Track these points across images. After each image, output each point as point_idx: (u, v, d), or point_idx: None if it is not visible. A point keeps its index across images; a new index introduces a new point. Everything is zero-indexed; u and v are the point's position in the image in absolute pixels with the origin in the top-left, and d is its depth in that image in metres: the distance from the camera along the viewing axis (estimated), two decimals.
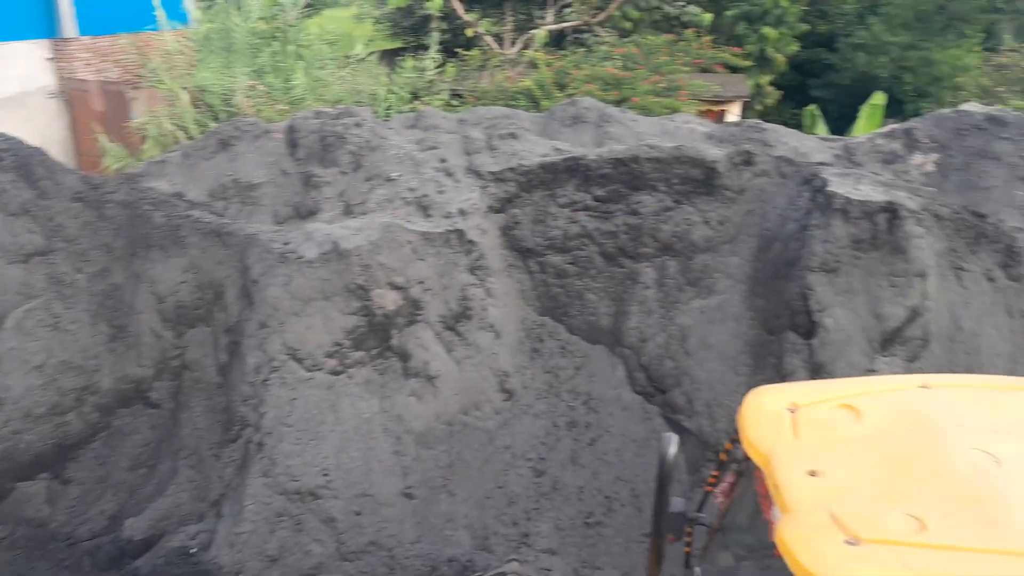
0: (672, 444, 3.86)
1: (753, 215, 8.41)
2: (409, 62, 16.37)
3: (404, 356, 8.01)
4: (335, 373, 7.81)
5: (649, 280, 8.59)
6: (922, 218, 7.41)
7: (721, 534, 4.67)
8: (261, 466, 7.37)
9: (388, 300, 7.90)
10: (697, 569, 4.79)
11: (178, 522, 7.56)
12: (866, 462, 3.61)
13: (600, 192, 8.75)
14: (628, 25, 22.09)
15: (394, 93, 15.75)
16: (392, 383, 7.96)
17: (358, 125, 9.51)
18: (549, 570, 7.25)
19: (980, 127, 9.59)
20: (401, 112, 14.15)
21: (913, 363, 6.79)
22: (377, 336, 7.89)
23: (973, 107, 10.37)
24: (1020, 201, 8.91)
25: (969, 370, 6.76)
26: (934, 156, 9.64)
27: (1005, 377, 4.27)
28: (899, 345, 6.90)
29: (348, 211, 8.88)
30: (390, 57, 20.39)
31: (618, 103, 15.02)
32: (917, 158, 9.77)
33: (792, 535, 3.25)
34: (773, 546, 3.36)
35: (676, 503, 4.45)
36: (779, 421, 4.05)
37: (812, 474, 3.59)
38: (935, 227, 7.54)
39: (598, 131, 10.23)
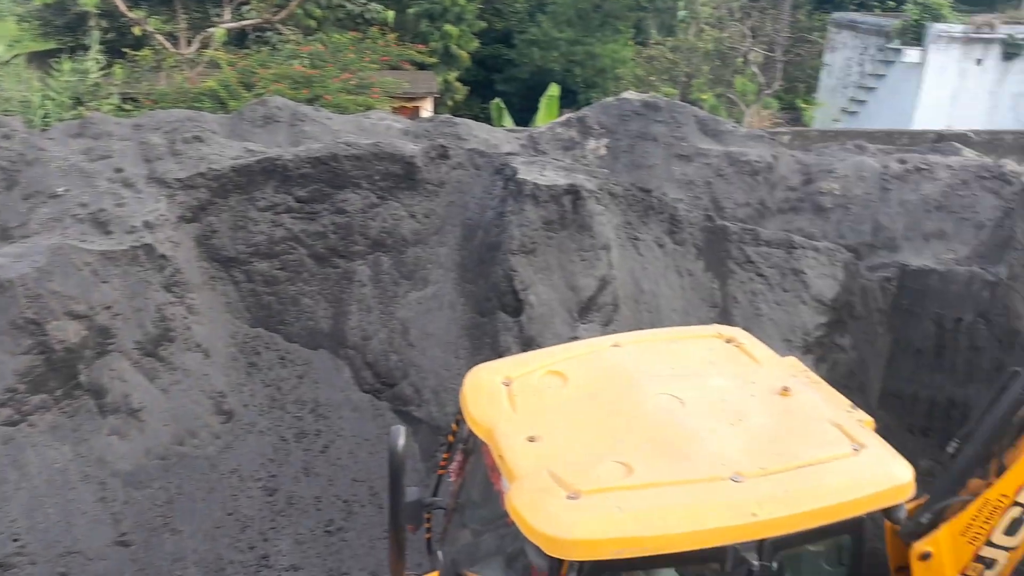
0: (400, 436, 3.92)
1: (455, 206, 8.73)
2: (67, 64, 14.59)
3: (98, 392, 7.18)
4: (12, 424, 6.77)
5: (365, 277, 8.57)
6: (600, 197, 8.21)
7: (458, 513, 4.83)
8: None
9: (68, 332, 7.00)
10: (439, 552, 4.91)
11: None
12: (576, 421, 3.96)
13: (302, 193, 8.51)
14: (312, 23, 21.71)
15: (51, 99, 13.96)
16: (87, 424, 7.10)
17: (6, 137, 8.29)
18: None
19: (639, 112, 10.83)
20: (63, 120, 12.57)
21: (608, 326, 7.53)
22: (60, 374, 6.98)
23: (632, 95, 11.68)
24: (678, 176, 10.24)
25: (652, 326, 7.66)
26: (605, 140, 10.73)
27: (679, 328, 4.91)
28: (595, 312, 7.62)
29: (5, 235, 7.72)
30: (42, 59, 18.01)
31: (310, 102, 14.72)
32: (591, 143, 10.80)
33: (519, 500, 3.47)
34: (506, 515, 3.56)
35: (411, 492, 4.52)
36: (497, 395, 4.29)
37: (531, 440, 3.86)
38: (611, 204, 8.39)
39: (293, 130, 9.93)
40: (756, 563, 3.30)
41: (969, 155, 10.97)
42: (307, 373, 8.25)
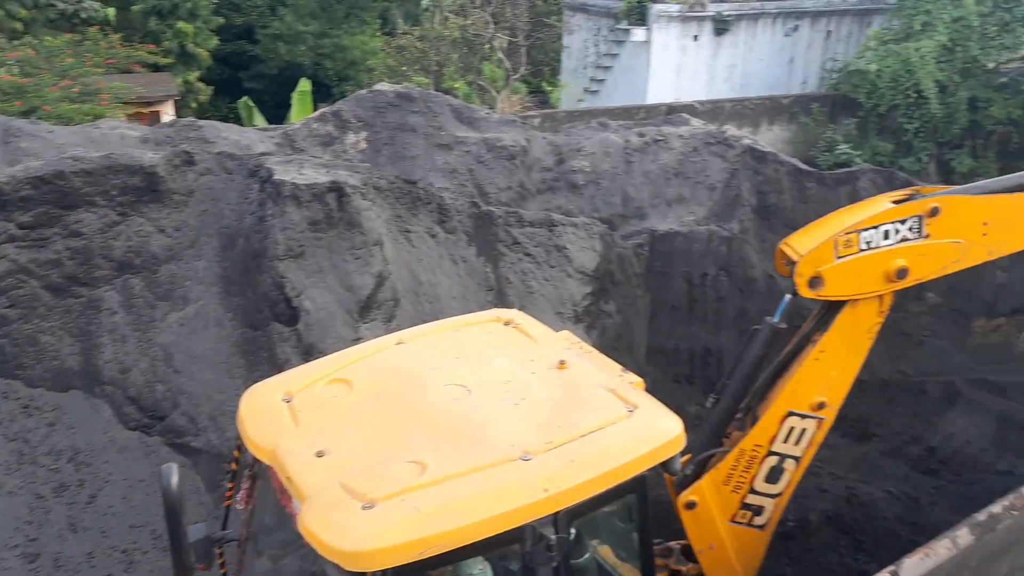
0: (173, 475, 3.60)
1: (209, 215, 8.16)
2: None
3: None
4: None
5: (114, 304, 7.77)
6: (365, 192, 8.07)
7: (252, 542, 4.57)
8: None
9: None
10: None
11: None
12: (364, 427, 3.86)
13: (25, 218, 7.52)
14: (18, 26, 19.23)
15: None
16: None
17: None
18: None
19: (394, 104, 10.78)
20: None
21: (390, 322, 7.45)
22: None
23: (385, 86, 11.58)
24: (440, 165, 10.34)
25: (434, 316, 7.68)
26: (364, 134, 10.56)
27: (460, 317, 4.95)
28: (375, 310, 7.49)
29: None
30: None
31: (25, 114, 13.08)
32: (350, 137, 10.59)
33: (311, 520, 3.33)
34: (301, 538, 3.41)
35: (196, 530, 4.20)
36: (277, 414, 4.08)
37: (319, 455, 3.70)
38: (378, 198, 8.28)
39: (7, 148, 8.76)
40: (553, 536, 3.42)
41: (697, 124, 12.12)
42: (59, 419, 7.35)
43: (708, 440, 5.07)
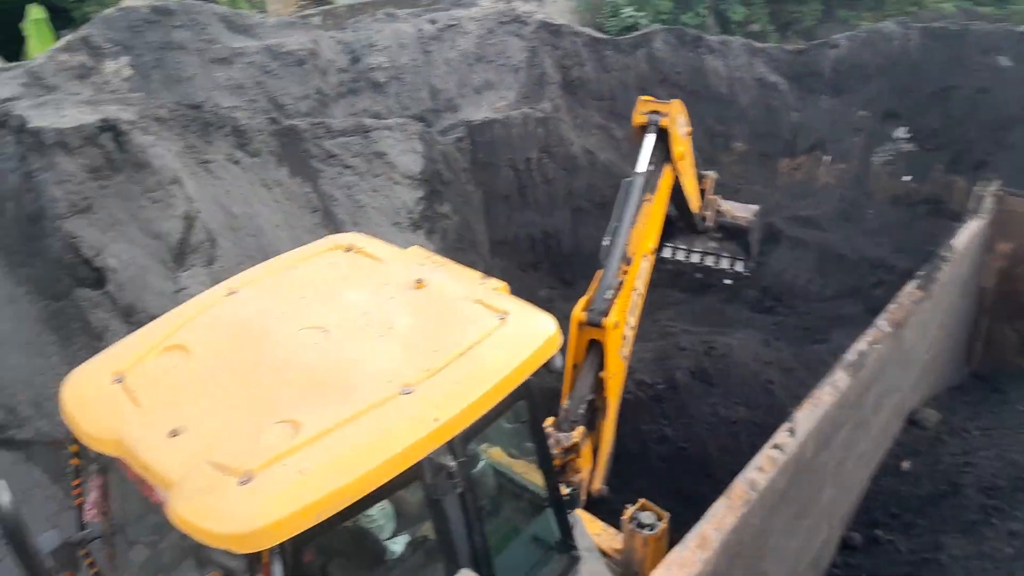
0: (2, 492, 3.08)
1: None
2: None
3: None
4: None
5: None
6: (145, 126, 7.17)
7: (120, 535, 4.12)
8: None
9: None
10: None
11: None
12: (218, 395, 3.45)
13: None
14: None
15: None
16: None
17: None
18: None
19: (151, 20, 9.54)
20: None
21: (212, 265, 6.82)
22: None
23: (135, 2, 10.19)
24: (223, 82, 9.38)
25: (261, 250, 7.12)
26: (124, 59, 9.32)
27: (293, 252, 4.52)
28: (192, 255, 6.81)
29: None
30: None
31: None
32: (109, 65, 9.31)
33: (186, 509, 2.97)
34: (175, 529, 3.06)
35: (50, 538, 3.71)
36: (111, 398, 3.57)
37: (174, 434, 3.30)
38: (163, 131, 7.40)
39: None
40: (453, 463, 3.28)
41: (486, 3, 11.75)
42: None
43: (611, 273, 5.75)
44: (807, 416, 4.01)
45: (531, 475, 4.50)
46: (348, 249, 4.42)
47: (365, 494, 3.06)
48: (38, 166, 6.64)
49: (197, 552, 3.91)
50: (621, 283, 5.74)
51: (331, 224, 7.72)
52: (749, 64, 11.18)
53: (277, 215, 7.49)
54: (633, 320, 5.90)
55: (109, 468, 3.79)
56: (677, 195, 7.25)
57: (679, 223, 7.99)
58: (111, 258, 6.56)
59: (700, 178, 7.70)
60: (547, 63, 10.47)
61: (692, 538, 3.27)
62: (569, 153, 9.31)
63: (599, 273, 5.81)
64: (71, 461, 3.99)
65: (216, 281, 6.91)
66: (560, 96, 9.87)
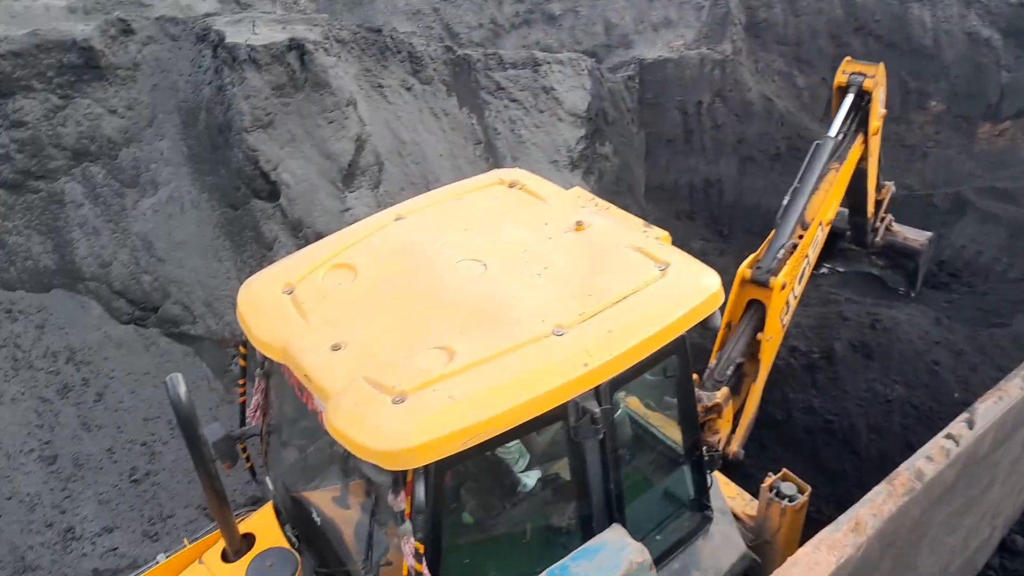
0: (179, 385, 3.35)
1: (162, 89, 7.52)
2: None
3: None
4: None
5: (78, 196, 7.30)
6: (328, 47, 7.41)
7: (275, 435, 4.44)
8: None
9: None
10: (267, 478, 4.54)
11: None
12: (379, 315, 3.59)
13: None
14: None
15: None
16: None
17: None
18: (114, 549, 6.35)
19: None
20: None
21: (377, 188, 7.05)
22: None
23: None
24: (401, 6, 9.52)
25: (423, 177, 7.29)
26: None
27: (460, 183, 4.58)
28: (360, 176, 7.06)
29: None
30: None
31: None
32: None
33: (341, 420, 3.12)
34: (328, 435, 3.23)
35: (214, 430, 4.02)
36: (281, 308, 3.79)
37: (335, 349, 3.46)
38: (344, 52, 7.63)
39: None
40: (597, 409, 3.26)
41: None
42: (46, 321, 7.09)
43: (787, 232, 5.55)
44: (990, 409, 3.67)
45: (668, 429, 4.42)
46: (512, 185, 4.43)
47: (511, 427, 3.10)
48: (229, 80, 7.03)
49: (343, 460, 4.16)
50: (795, 246, 5.48)
51: (492, 157, 7.77)
52: (961, 16, 10.08)
53: (442, 144, 7.60)
54: (798, 288, 5.61)
55: (272, 372, 4.06)
56: (853, 193, 6.87)
57: (841, 243, 7.66)
58: (286, 173, 6.92)
59: (878, 187, 7.28)
60: (732, 2, 9.87)
61: (845, 520, 3.10)
62: (744, 99, 8.82)
63: (772, 232, 5.54)
64: (239, 362, 4.30)
65: (380, 204, 7.19)
66: (742, 38, 9.32)
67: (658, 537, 4.17)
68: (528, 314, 3.42)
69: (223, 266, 7.01)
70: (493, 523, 4.03)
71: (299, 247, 6.79)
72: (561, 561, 3.29)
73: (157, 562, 4.27)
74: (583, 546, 3.39)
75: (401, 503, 3.11)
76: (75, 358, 7.03)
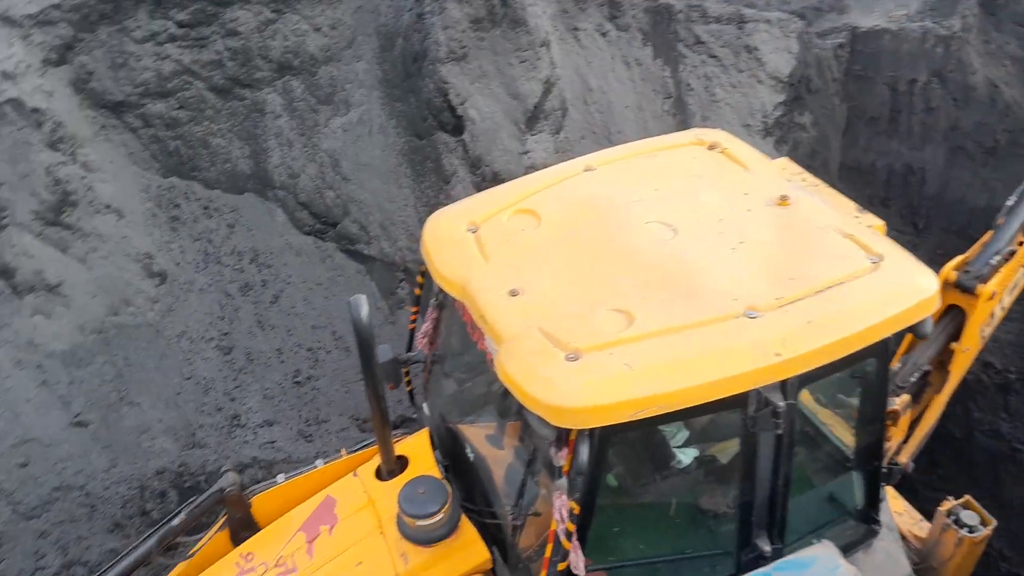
0: (363, 306, 3.44)
1: (364, 12, 7.69)
2: None
3: (5, 272, 6.51)
4: None
5: (277, 107, 7.68)
6: None
7: (438, 364, 4.53)
8: None
9: None
10: (424, 404, 4.67)
11: None
12: (559, 266, 3.53)
13: (183, 16, 7.33)
14: None
15: None
16: (3, 307, 6.51)
17: None
18: (272, 442, 6.82)
19: None
20: None
21: (558, 134, 6.96)
22: None
23: None
24: None
25: (606, 127, 7.12)
26: None
27: (655, 139, 4.39)
28: (543, 120, 6.99)
29: None
30: None
31: None
32: None
33: (513, 367, 3.10)
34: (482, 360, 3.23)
35: (383, 351, 4.15)
36: (464, 245, 3.80)
37: (513, 294, 3.44)
38: None
39: None
40: (782, 404, 3.06)
41: None
42: (237, 221, 7.58)
43: (1005, 238, 4.89)
44: None
45: (839, 430, 4.15)
46: (711, 147, 4.20)
47: (685, 407, 2.98)
48: (430, 9, 7.09)
49: (502, 402, 4.19)
50: (1012, 253, 4.90)
51: (680, 114, 7.45)
52: None
53: (630, 95, 7.36)
54: (1008, 300, 5.02)
55: (446, 305, 4.12)
56: None
57: None
58: (472, 109, 6.94)
59: None
60: None
61: None
62: (966, 82, 7.96)
63: (988, 234, 4.99)
64: (415, 291, 4.39)
65: (558, 151, 7.10)
66: (975, 14, 8.36)
67: (814, 541, 3.97)
68: (717, 289, 3.25)
69: (402, 192, 7.19)
70: (639, 492, 3.97)
71: (476, 184, 6.86)
72: (763, 569, 3.16)
73: (315, 467, 4.52)
74: (789, 558, 3.25)
75: (561, 459, 3.09)
76: (258, 260, 7.49)
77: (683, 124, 7.29)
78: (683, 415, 3.08)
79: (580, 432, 2.99)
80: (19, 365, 6.52)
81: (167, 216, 7.57)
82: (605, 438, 3.04)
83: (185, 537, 4.45)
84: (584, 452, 2.99)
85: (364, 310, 3.43)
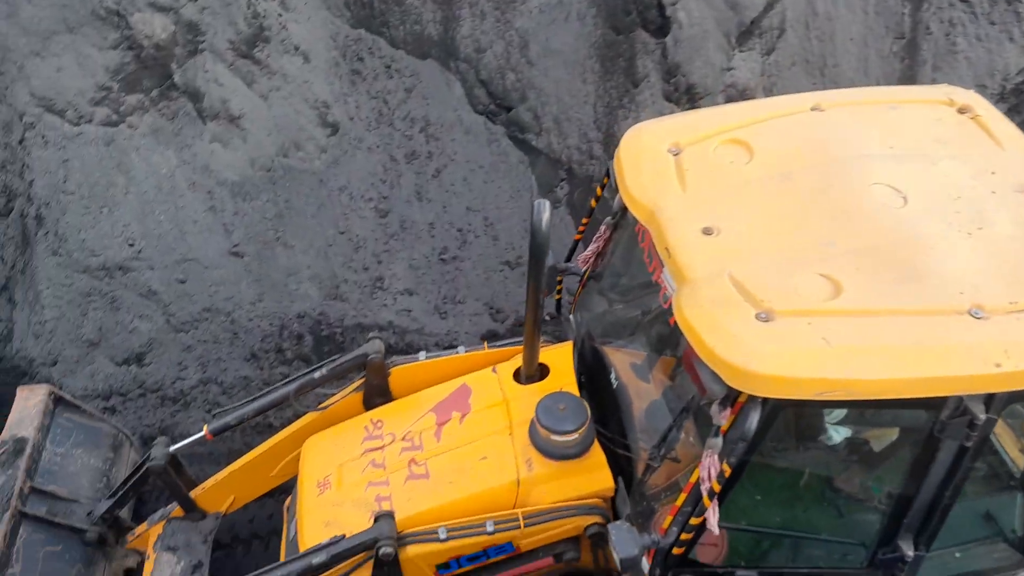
0: (545, 211, 3.28)
1: None
2: None
3: (194, 95, 6.72)
4: (111, 124, 6.49)
5: None
6: None
7: (593, 280, 4.37)
8: (48, 243, 6.32)
9: (155, 26, 6.37)
10: (571, 316, 4.55)
11: None
12: (766, 212, 3.20)
13: None
14: None
15: None
16: (188, 129, 6.77)
17: None
18: (409, 311, 6.94)
19: None
20: None
21: (769, 56, 6.37)
22: (153, 73, 6.48)
23: None
24: None
25: (823, 57, 6.45)
26: None
27: (898, 88, 3.88)
28: (755, 37, 6.40)
29: None
30: None
31: None
32: None
33: (694, 313, 2.87)
34: (649, 289, 3.02)
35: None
36: (662, 167, 3.51)
37: (707, 232, 3.16)
38: None
39: None
40: (982, 416, 2.72)
41: None
42: (415, 87, 7.48)
43: None
44: None
45: (1008, 444, 3.75)
46: (962, 111, 3.66)
47: (877, 398, 2.69)
48: None
49: (658, 334, 4.00)
50: None
51: (909, 58, 6.63)
52: None
53: (857, 27, 6.59)
54: None
55: (624, 226, 3.89)
56: None
57: None
58: (682, 11, 6.43)
59: None
60: None
61: None
62: None
63: None
64: (592, 202, 4.17)
65: (763, 73, 6.52)
66: None
67: (957, 554, 3.67)
68: (943, 277, 2.86)
69: (585, 88, 6.85)
70: (779, 459, 3.73)
71: (666, 94, 6.43)
72: None
73: (457, 351, 4.53)
74: None
75: (723, 419, 2.88)
76: (427, 130, 7.42)
77: (910, 70, 6.50)
78: (871, 405, 2.79)
79: (752, 398, 2.76)
80: (193, 187, 6.81)
81: (349, 69, 7.56)
82: (777, 410, 2.81)
83: (322, 389, 4.62)
84: (753, 419, 2.77)
85: (546, 215, 3.30)
